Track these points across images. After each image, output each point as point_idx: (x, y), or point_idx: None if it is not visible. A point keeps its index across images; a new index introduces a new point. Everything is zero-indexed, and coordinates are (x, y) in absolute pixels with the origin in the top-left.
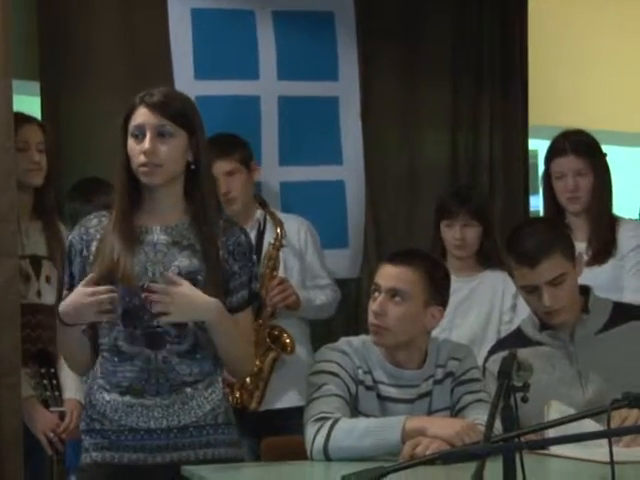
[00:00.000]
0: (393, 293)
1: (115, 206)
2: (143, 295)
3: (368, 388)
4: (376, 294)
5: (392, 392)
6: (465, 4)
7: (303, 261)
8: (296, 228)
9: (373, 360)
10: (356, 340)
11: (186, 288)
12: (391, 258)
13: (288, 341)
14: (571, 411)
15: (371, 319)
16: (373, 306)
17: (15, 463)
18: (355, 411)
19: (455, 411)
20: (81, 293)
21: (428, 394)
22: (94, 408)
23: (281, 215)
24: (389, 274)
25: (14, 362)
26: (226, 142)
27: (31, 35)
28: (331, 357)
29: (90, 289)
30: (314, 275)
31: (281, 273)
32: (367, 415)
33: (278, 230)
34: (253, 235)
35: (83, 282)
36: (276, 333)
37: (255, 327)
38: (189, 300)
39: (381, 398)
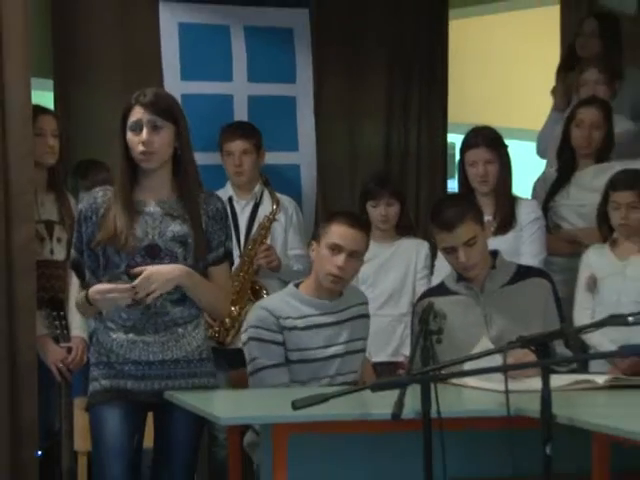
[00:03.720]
0: (355, 254)
1: (117, 185)
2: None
3: (291, 328)
4: (336, 251)
5: (321, 320)
6: (403, 19)
7: (287, 234)
8: (286, 207)
9: (300, 303)
10: (272, 299)
11: (152, 268)
12: (351, 223)
13: (265, 296)
14: (492, 346)
15: (336, 272)
16: (339, 263)
17: (30, 389)
18: (296, 352)
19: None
20: (119, 289)
21: (349, 320)
22: (102, 345)
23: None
24: (353, 237)
25: (31, 306)
26: (248, 128)
27: (43, 39)
28: (253, 323)
29: (126, 286)
30: (294, 247)
31: (269, 241)
32: (307, 347)
33: (274, 206)
34: (250, 206)
35: (121, 287)
36: (257, 287)
37: (241, 279)
38: (161, 274)
39: (315, 327)
